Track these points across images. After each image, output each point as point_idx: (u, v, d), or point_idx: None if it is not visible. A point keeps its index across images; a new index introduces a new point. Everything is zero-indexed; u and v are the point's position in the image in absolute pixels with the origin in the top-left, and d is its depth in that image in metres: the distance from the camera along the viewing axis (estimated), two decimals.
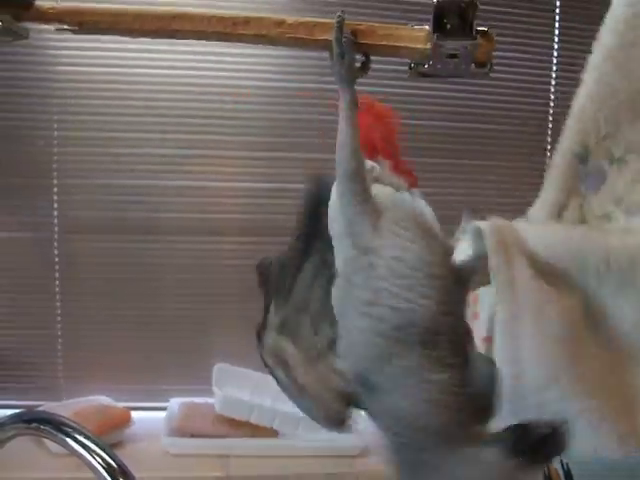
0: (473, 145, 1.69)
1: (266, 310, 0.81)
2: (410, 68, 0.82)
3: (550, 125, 1.70)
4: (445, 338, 0.74)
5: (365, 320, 0.74)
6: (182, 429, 1.52)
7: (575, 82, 1.57)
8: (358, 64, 0.76)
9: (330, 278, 0.79)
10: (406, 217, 0.76)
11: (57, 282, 1.63)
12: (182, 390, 1.67)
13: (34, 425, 0.93)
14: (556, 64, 1.68)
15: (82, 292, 1.64)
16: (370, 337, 0.75)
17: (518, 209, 1.68)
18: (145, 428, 1.57)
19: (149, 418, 1.63)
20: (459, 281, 0.78)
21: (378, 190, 0.79)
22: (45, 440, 1.45)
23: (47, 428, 0.92)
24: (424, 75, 0.81)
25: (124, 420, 1.53)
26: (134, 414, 1.59)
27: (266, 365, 0.77)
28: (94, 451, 0.88)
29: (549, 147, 1.70)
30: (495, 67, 1.61)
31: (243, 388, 1.58)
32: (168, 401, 1.64)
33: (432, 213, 0.81)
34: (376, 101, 0.86)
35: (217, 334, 1.67)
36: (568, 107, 1.64)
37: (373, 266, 0.74)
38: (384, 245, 0.74)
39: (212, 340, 1.66)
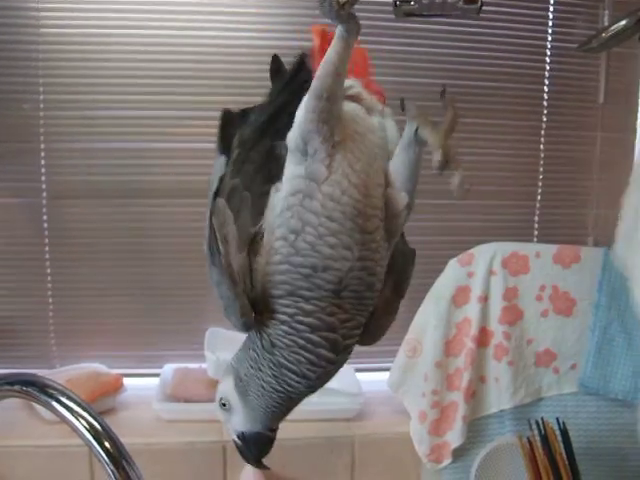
0: (471, 103, 1.66)
1: (223, 170, 0.81)
2: (395, 5, 0.80)
3: (546, 82, 1.67)
4: (354, 294, 0.76)
5: (284, 246, 0.74)
6: (175, 395, 1.51)
7: (571, 39, 1.55)
8: None
9: (272, 175, 0.80)
10: (361, 156, 0.75)
11: (47, 248, 1.60)
12: (176, 356, 1.65)
13: (18, 387, 0.92)
14: (552, 19, 1.65)
15: (73, 258, 1.62)
16: (283, 264, 0.74)
17: (515, 168, 1.67)
18: (139, 395, 1.57)
19: (143, 385, 1.61)
20: (389, 237, 0.77)
21: (347, 108, 0.79)
22: (37, 407, 1.44)
23: (31, 390, 0.91)
24: (410, 14, 0.78)
25: (116, 386, 1.52)
26: (128, 381, 1.58)
27: (211, 228, 0.76)
28: (78, 413, 0.87)
29: (545, 104, 1.68)
30: (493, 23, 1.60)
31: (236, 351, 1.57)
32: (162, 367, 1.62)
33: (398, 136, 0.81)
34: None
35: (210, 298, 1.63)
36: (564, 64, 1.63)
37: (310, 195, 0.73)
38: (328, 178, 0.73)
39: (205, 305, 1.63)
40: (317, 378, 0.78)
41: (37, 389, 0.90)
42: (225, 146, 0.85)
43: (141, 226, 1.62)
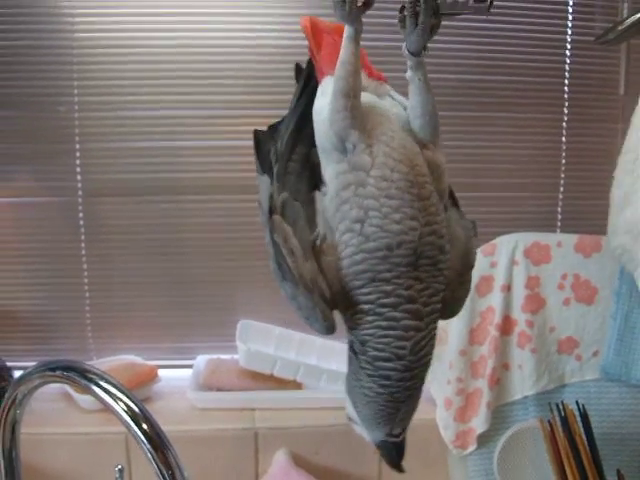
0: (493, 97, 1.70)
1: (271, 187, 0.85)
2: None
3: (567, 76, 1.70)
4: (429, 260, 0.78)
5: (354, 237, 0.77)
6: (208, 384, 1.56)
7: (591, 32, 1.58)
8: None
9: (313, 181, 0.84)
10: (394, 134, 0.79)
11: (83, 244, 1.66)
12: (208, 347, 1.70)
13: (59, 372, 0.97)
14: (572, 13, 1.67)
15: (108, 254, 1.68)
16: (359, 254, 0.77)
17: (538, 160, 1.70)
18: (173, 385, 1.62)
19: (177, 376, 1.67)
20: (440, 197, 0.81)
21: (363, 99, 0.83)
22: (75, 397, 1.50)
23: (72, 375, 0.95)
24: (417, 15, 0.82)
25: (151, 376, 1.58)
26: (162, 372, 1.63)
27: (275, 245, 0.80)
28: (117, 396, 0.92)
29: (567, 97, 1.70)
30: (512, 18, 1.63)
31: (267, 343, 1.62)
32: (195, 358, 1.68)
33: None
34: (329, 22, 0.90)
35: (242, 291, 1.69)
36: (584, 57, 1.65)
37: (363, 183, 0.76)
38: (374, 163, 0.76)
39: (237, 297, 1.69)
40: (410, 353, 0.78)
41: (77, 374, 0.95)
42: (264, 165, 0.89)
43: (173, 222, 1.67)
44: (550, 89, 1.71)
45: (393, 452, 0.88)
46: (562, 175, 1.74)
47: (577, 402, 1.28)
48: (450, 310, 0.86)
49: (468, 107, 1.69)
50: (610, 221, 1.14)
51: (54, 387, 1.57)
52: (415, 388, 0.81)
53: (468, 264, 0.88)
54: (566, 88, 1.71)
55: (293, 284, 0.80)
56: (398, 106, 0.86)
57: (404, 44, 0.79)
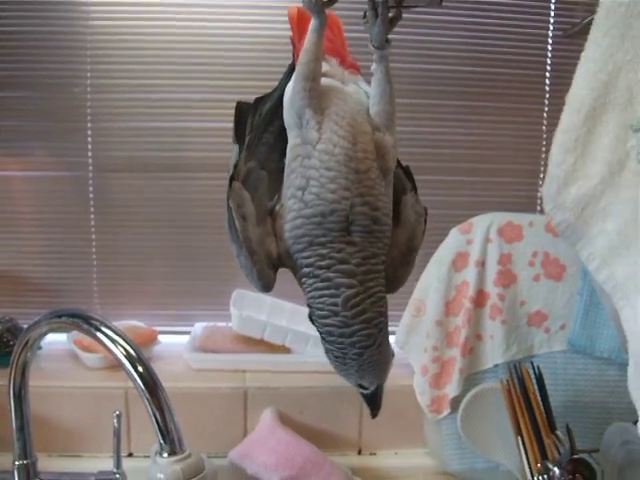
0: (478, 88, 1.79)
1: (238, 156, 0.95)
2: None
3: (548, 68, 1.80)
4: (361, 228, 0.86)
5: (295, 203, 0.88)
6: (203, 347, 1.66)
7: (572, 26, 1.66)
8: None
9: (283, 153, 0.93)
10: (345, 115, 0.89)
11: (92, 217, 1.77)
12: (206, 315, 1.81)
13: (65, 319, 1.08)
14: (554, 9, 1.77)
15: (115, 225, 1.79)
16: (298, 219, 0.88)
17: (520, 147, 1.80)
18: (171, 349, 1.73)
19: (176, 341, 1.77)
20: (383, 175, 0.90)
21: (325, 83, 0.93)
22: (81, 355, 1.62)
23: (76, 321, 1.06)
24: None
25: (152, 338, 1.69)
26: (162, 337, 1.74)
27: (229, 209, 0.90)
28: (116, 341, 1.02)
29: (547, 89, 1.80)
30: (497, 14, 1.73)
31: (260, 311, 1.72)
32: (193, 325, 1.79)
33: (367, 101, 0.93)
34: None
35: (237, 264, 1.79)
36: (564, 52, 1.75)
37: (308, 155, 0.87)
38: (321, 138, 0.87)
39: (234, 269, 1.78)
40: (344, 309, 0.85)
41: (82, 320, 1.06)
42: (239, 136, 0.98)
43: (177, 197, 1.78)
44: (532, 81, 1.80)
45: (367, 401, 0.97)
46: (542, 162, 1.83)
47: (532, 363, 1.38)
48: (391, 286, 0.94)
49: (454, 96, 1.78)
50: (550, 198, 1.21)
51: (62, 347, 1.70)
52: (364, 347, 0.88)
53: (412, 247, 0.97)
54: (547, 80, 1.80)
55: (238, 245, 0.89)
56: (361, 92, 0.96)
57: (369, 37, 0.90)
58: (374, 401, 0.97)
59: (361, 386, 0.95)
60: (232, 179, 0.93)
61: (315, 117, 0.88)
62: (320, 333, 0.91)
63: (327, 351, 0.91)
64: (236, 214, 0.90)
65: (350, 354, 0.88)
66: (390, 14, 0.88)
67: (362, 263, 0.86)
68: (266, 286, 0.92)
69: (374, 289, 0.87)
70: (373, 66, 0.91)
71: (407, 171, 1.02)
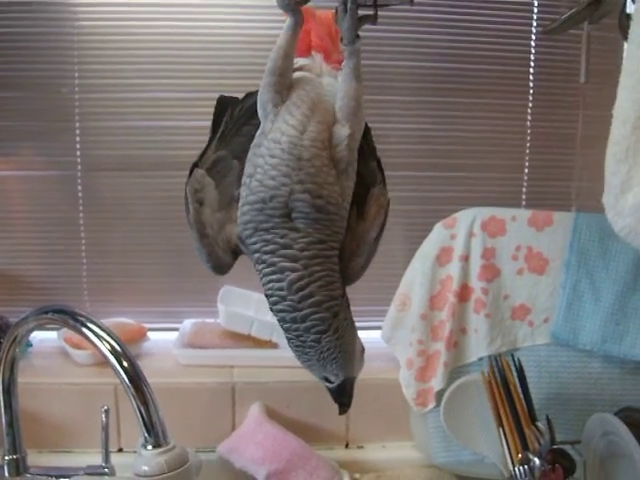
0: (463, 84, 1.81)
1: (208, 145, 0.97)
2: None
3: (532, 65, 1.82)
4: (303, 214, 0.88)
5: (245, 190, 0.90)
6: (192, 343, 1.68)
7: (551, 22, 1.68)
8: None
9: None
10: (302, 104, 0.91)
11: (81, 215, 1.79)
12: (194, 312, 1.83)
13: (51, 315, 1.09)
14: (537, 6, 1.79)
15: (104, 224, 1.80)
16: (245, 206, 0.90)
17: (504, 143, 1.81)
18: (160, 346, 1.75)
19: (165, 338, 1.78)
20: (335, 164, 0.92)
21: (298, 76, 0.95)
22: (71, 352, 1.64)
23: (63, 317, 1.08)
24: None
25: (140, 334, 1.71)
26: (151, 334, 1.76)
27: (185, 196, 0.93)
28: (102, 337, 1.04)
29: (531, 85, 1.82)
30: (481, 11, 1.74)
31: (247, 307, 1.74)
32: (182, 322, 1.80)
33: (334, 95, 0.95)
34: (318, 10, 1.04)
35: None
36: (548, 48, 1.76)
37: (259, 145, 0.89)
38: (272, 128, 0.89)
39: None
40: (289, 292, 0.88)
41: (68, 316, 1.07)
42: (215, 127, 1.02)
43: (165, 195, 1.78)
44: (516, 77, 1.82)
45: (333, 396, 1.00)
46: (527, 157, 1.85)
47: (512, 356, 1.40)
48: (347, 277, 0.96)
49: (438, 93, 1.80)
50: (610, 205, 1.23)
51: (52, 345, 1.71)
52: (320, 332, 0.90)
53: (366, 238, 0.98)
54: (531, 76, 1.82)
55: (190, 227, 0.95)
56: (335, 85, 0.98)
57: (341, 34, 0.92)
58: (341, 395, 0.99)
59: (327, 380, 0.96)
60: (195, 166, 0.99)
61: (274, 110, 0.91)
62: (278, 322, 0.93)
63: (288, 341, 0.94)
64: (191, 198, 0.96)
65: (308, 341, 0.90)
66: (361, 12, 0.90)
67: (306, 248, 0.88)
68: (217, 268, 0.97)
69: (320, 273, 0.88)
70: (344, 62, 0.93)
71: (379, 163, 1.04)
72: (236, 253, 0.96)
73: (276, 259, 0.88)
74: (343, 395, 0.98)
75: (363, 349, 0.97)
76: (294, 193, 0.87)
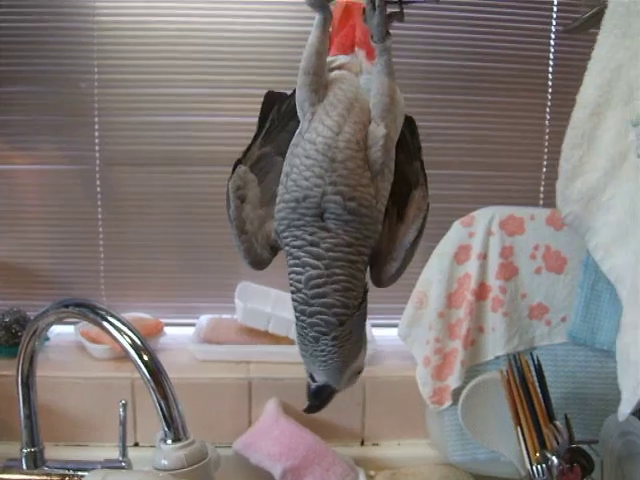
0: (482, 82, 1.81)
1: (253, 141, 0.97)
2: None
3: (551, 63, 1.81)
4: (334, 216, 0.87)
5: (281, 188, 0.90)
6: (208, 339, 1.69)
7: (573, 20, 1.67)
8: None
9: None
10: (339, 104, 0.91)
11: (99, 209, 1.80)
12: (211, 308, 1.84)
13: (72, 309, 1.09)
14: (557, 4, 1.78)
15: (122, 219, 1.81)
16: (280, 203, 0.90)
17: (523, 142, 1.81)
18: (177, 341, 1.75)
19: (181, 333, 1.79)
20: (370, 166, 0.91)
21: (336, 75, 0.95)
22: (88, 347, 1.64)
23: (83, 310, 1.08)
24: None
25: (157, 329, 1.71)
26: (168, 329, 1.76)
27: (227, 192, 0.94)
28: (122, 330, 1.04)
29: (550, 84, 1.81)
30: (501, 9, 1.74)
31: (264, 303, 1.74)
32: (198, 317, 1.81)
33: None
34: (357, 4, 1.00)
35: None
36: (567, 46, 1.75)
37: (297, 144, 0.89)
38: (309, 128, 0.89)
39: (239, 262, 1.80)
40: (305, 287, 0.87)
41: (88, 310, 1.07)
42: (261, 122, 1.00)
43: (183, 191, 1.80)
44: (535, 76, 1.81)
45: (308, 393, 0.97)
46: (545, 156, 1.84)
47: (531, 354, 1.40)
48: (380, 281, 0.96)
49: (457, 91, 1.80)
50: (559, 191, 1.24)
51: (69, 339, 1.72)
52: (320, 332, 0.88)
53: (401, 242, 0.96)
54: (550, 75, 1.81)
55: (230, 224, 0.93)
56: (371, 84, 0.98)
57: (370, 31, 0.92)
58: (315, 398, 0.97)
59: (312, 377, 0.95)
60: (239, 162, 0.97)
61: (310, 109, 0.91)
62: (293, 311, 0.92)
63: (295, 326, 0.92)
64: (232, 195, 0.94)
65: (308, 336, 0.89)
66: (390, 10, 0.89)
67: (332, 249, 0.87)
68: (255, 264, 0.96)
69: (340, 277, 0.87)
70: (376, 59, 0.93)
71: (422, 164, 1.02)
72: (275, 249, 0.96)
73: (301, 254, 0.88)
74: (318, 398, 0.96)
75: (360, 371, 0.96)
76: (326, 194, 0.86)
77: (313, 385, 0.95)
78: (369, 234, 0.90)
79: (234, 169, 0.96)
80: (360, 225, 0.88)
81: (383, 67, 0.91)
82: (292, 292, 0.89)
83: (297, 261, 0.88)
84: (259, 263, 0.96)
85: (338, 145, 0.87)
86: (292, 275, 0.89)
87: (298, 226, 0.88)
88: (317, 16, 0.92)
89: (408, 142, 0.99)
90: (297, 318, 0.90)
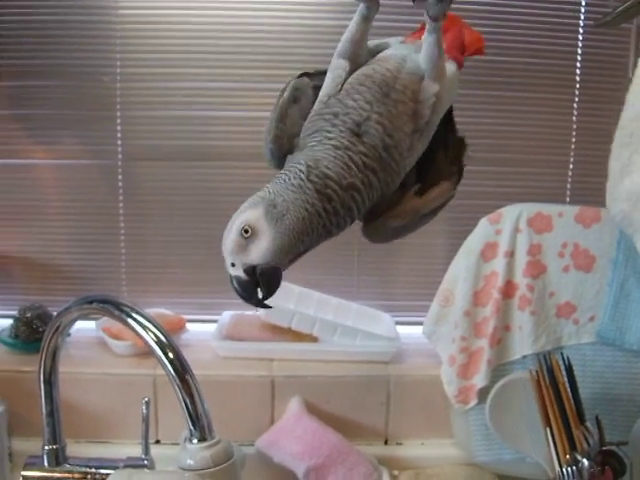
0: (509, 77, 1.78)
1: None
2: None
3: (579, 59, 1.78)
4: (371, 141, 0.89)
5: (318, 104, 0.95)
6: (231, 335, 1.67)
7: (603, 16, 1.65)
8: None
9: None
10: (391, 59, 0.95)
11: (121, 205, 1.78)
12: (234, 303, 1.79)
13: (96, 305, 1.08)
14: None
15: (144, 214, 1.80)
16: (314, 116, 0.93)
17: (550, 138, 1.78)
18: (199, 337, 1.73)
19: (203, 330, 1.77)
20: (415, 120, 0.92)
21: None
22: (110, 342, 1.63)
23: (106, 307, 1.07)
24: None
25: (179, 326, 1.70)
26: (190, 326, 1.75)
27: (286, 85, 0.99)
28: (147, 327, 1.03)
29: (578, 79, 1.79)
30: (528, 3, 1.71)
31: (287, 300, 1.72)
32: (221, 314, 1.79)
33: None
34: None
35: None
36: (595, 41, 1.73)
37: (350, 74, 0.96)
38: (364, 65, 0.96)
39: None
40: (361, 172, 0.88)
41: (112, 306, 1.06)
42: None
43: (205, 186, 1.78)
44: (563, 71, 1.78)
45: (272, 283, 0.90)
46: (572, 153, 1.81)
47: (562, 354, 1.37)
48: (369, 231, 0.98)
49: (483, 86, 1.77)
50: (609, 190, 1.22)
51: (90, 335, 1.71)
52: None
53: (413, 211, 0.98)
54: (578, 70, 1.78)
55: (274, 110, 1.00)
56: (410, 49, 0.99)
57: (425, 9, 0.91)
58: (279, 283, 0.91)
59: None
60: (306, 74, 1.00)
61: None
62: (318, 191, 0.88)
63: (316, 206, 0.88)
64: (290, 88, 0.98)
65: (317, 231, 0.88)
66: None
67: (360, 159, 0.88)
68: (272, 151, 0.99)
69: (346, 164, 0.87)
70: (425, 35, 0.93)
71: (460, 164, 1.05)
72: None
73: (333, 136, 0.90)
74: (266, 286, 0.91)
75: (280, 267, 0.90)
76: (370, 120, 0.88)
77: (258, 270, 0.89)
78: (387, 180, 0.91)
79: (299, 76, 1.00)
80: (385, 165, 0.90)
81: (436, 39, 0.92)
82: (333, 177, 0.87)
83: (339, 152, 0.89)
84: (277, 158, 0.99)
85: (395, 86, 0.90)
86: (334, 163, 0.88)
87: (329, 137, 0.89)
88: (361, 6, 0.93)
89: (449, 140, 1.03)
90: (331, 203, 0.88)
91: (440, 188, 1.00)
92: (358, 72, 0.94)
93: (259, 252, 0.87)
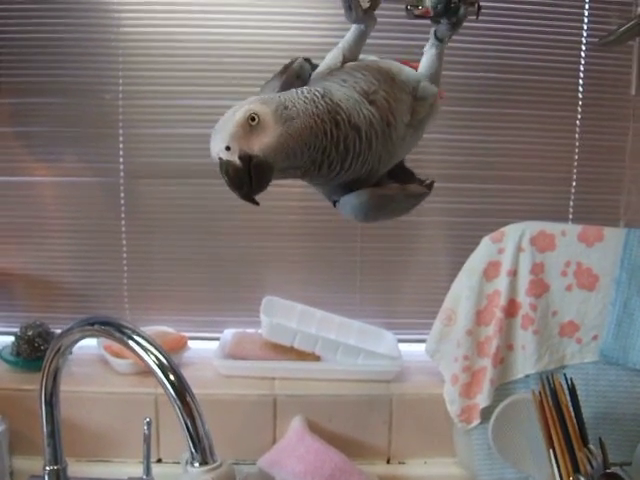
0: (511, 95, 1.78)
1: None
2: (407, 10, 0.96)
3: (582, 76, 1.78)
4: (377, 112, 0.92)
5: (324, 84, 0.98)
6: (233, 354, 1.66)
7: (605, 35, 1.64)
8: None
9: None
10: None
11: (123, 222, 1.78)
12: (235, 322, 1.81)
13: (97, 327, 1.08)
14: (587, 16, 1.75)
15: (146, 231, 1.79)
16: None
17: (552, 155, 1.78)
18: (201, 355, 1.72)
19: (205, 348, 1.77)
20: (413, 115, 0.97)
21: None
22: (111, 361, 1.63)
23: (108, 329, 1.07)
24: (417, 17, 0.95)
25: (181, 344, 1.68)
26: (192, 343, 1.74)
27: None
28: (148, 349, 1.02)
29: (580, 97, 1.78)
30: (530, 20, 1.71)
31: (289, 318, 1.72)
32: (222, 332, 1.78)
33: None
34: None
35: (268, 270, 1.81)
36: (598, 59, 1.73)
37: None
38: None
39: (264, 276, 1.79)
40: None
41: (114, 328, 1.06)
42: None
43: (207, 204, 1.78)
44: (565, 88, 1.78)
45: (263, 178, 0.88)
46: (575, 170, 1.81)
47: (565, 375, 1.37)
48: (346, 200, 0.97)
49: (485, 103, 1.77)
50: None
51: (92, 352, 1.70)
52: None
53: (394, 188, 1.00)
54: (580, 88, 1.78)
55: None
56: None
57: (432, 29, 0.99)
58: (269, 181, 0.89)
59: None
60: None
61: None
62: (329, 111, 0.91)
63: (325, 122, 0.90)
64: (298, 64, 1.06)
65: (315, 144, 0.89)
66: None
67: (368, 114, 0.91)
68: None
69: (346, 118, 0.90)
70: (428, 48, 1.01)
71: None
72: None
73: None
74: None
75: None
76: (378, 93, 0.92)
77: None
78: (381, 155, 0.93)
79: None
80: (384, 140, 0.92)
81: (439, 54, 1.01)
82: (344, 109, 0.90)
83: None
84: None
85: (400, 77, 0.96)
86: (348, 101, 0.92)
87: (341, 85, 0.94)
88: (357, 26, 0.96)
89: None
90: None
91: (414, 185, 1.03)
92: (359, 62, 0.99)
93: (261, 144, 0.85)
